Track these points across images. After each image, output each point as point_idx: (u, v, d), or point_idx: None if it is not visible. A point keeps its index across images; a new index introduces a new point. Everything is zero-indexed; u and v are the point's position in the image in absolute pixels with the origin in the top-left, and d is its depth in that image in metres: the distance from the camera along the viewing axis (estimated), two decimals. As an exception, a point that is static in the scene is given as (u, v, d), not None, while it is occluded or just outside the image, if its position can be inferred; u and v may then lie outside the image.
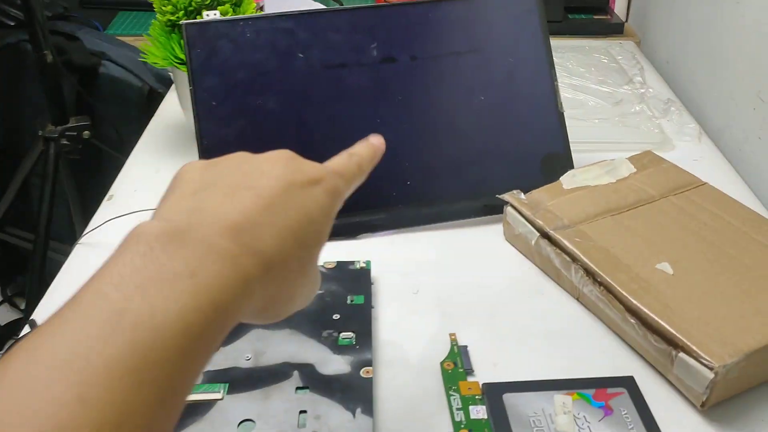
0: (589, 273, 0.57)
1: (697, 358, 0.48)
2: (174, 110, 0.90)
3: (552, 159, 0.71)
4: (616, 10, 1.21)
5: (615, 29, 1.16)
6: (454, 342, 0.55)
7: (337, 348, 0.53)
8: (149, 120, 0.90)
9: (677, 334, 0.49)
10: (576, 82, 0.95)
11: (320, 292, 0.58)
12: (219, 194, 0.33)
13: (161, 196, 0.35)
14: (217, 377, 0.50)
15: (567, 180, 0.67)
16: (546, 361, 0.53)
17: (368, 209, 0.68)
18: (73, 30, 1.17)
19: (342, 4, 1.18)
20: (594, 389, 0.50)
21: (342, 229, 0.67)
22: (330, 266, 0.61)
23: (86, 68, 1.14)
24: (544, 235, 0.61)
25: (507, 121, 0.71)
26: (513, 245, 0.66)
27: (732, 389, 0.49)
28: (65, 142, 1.02)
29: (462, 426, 0.48)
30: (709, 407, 0.49)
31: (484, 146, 0.70)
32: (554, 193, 0.66)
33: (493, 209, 0.68)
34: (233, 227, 0.31)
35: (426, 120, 0.70)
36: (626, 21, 1.21)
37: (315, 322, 0.55)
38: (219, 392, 0.49)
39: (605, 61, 1.02)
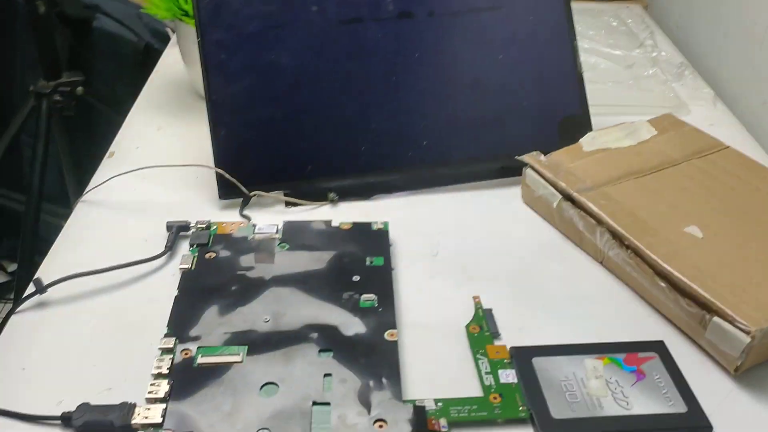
0: (615, 236, 0.55)
1: (732, 322, 0.47)
2: (173, 66, 0.87)
3: (571, 121, 0.69)
4: (622, -27, 1.18)
5: (622, -7, 1.13)
6: (478, 305, 0.53)
7: (359, 310, 0.51)
8: (145, 77, 0.86)
9: (711, 298, 0.48)
10: (586, 45, 0.92)
11: (337, 253, 0.56)
12: None
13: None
14: (235, 339, 0.48)
15: (587, 142, 0.66)
16: (572, 326, 0.52)
17: (383, 169, 0.65)
18: (65, -19, 1.12)
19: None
20: (625, 353, 0.49)
21: (356, 189, 0.65)
22: (346, 227, 0.59)
23: (79, 21, 1.09)
24: (567, 198, 0.60)
25: (526, 81, 0.69)
26: (532, 208, 0.64)
27: (766, 354, 0.48)
28: (58, 98, 0.98)
29: (492, 390, 0.46)
30: (742, 372, 0.48)
31: (502, 106, 0.68)
32: (575, 155, 0.64)
33: (511, 171, 0.66)
34: None
35: (443, 78, 0.67)
36: (633, -16, 1.19)
37: (334, 284, 0.53)
38: (239, 354, 0.47)
39: (614, 24, 1.00)
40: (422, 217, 0.63)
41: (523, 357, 0.48)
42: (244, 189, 0.62)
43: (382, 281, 0.54)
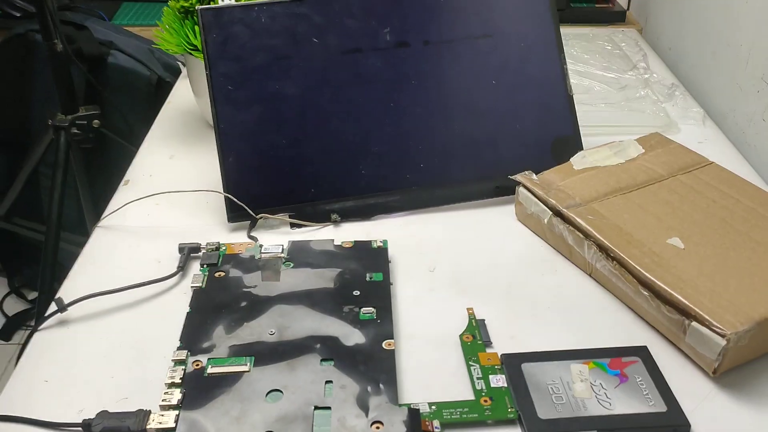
0: (602, 249, 0.58)
1: (709, 326, 0.49)
2: (184, 98, 0.91)
3: (562, 141, 0.73)
4: (617, -1, 1.23)
5: (617, 17, 1.18)
6: (471, 316, 0.56)
7: (359, 322, 0.54)
8: (157, 109, 0.91)
9: (690, 305, 0.51)
10: (581, 68, 0.96)
11: (339, 270, 0.60)
12: None
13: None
14: (242, 351, 0.52)
15: (577, 161, 0.69)
16: (561, 334, 0.55)
17: (383, 191, 0.69)
18: (80, 20, 1.18)
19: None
20: (609, 358, 0.52)
21: (358, 210, 0.69)
22: (348, 245, 0.63)
23: (95, 57, 1.15)
24: (557, 214, 0.63)
25: (518, 105, 0.72)
26: (525, 224, 0.68)
27: (743, 357, 0.51)
28: (75, 131, 1.03)
29: (483, 394, 0.49)
30: (720, 374, 0.50)
31: (496, 129, 0.72)
32: (565, 174, 0.67)
33: (506, 190, 0.70)
34: None
35: (439, 103, 0.71)
36: (628, 9, 1.23)
37: (336, 298, 0.57)
38: (246, 365, 0.50)
39: (609, 47, 1.04)
40: (420, 236, 0.66)
41: (513, 363, 0.51)
42: (251, 212, 0.66)
43: (381, 295, 0.57)
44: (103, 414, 0.47)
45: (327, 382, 0.49)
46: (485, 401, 0.48)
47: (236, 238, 0.65)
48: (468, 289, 0.59)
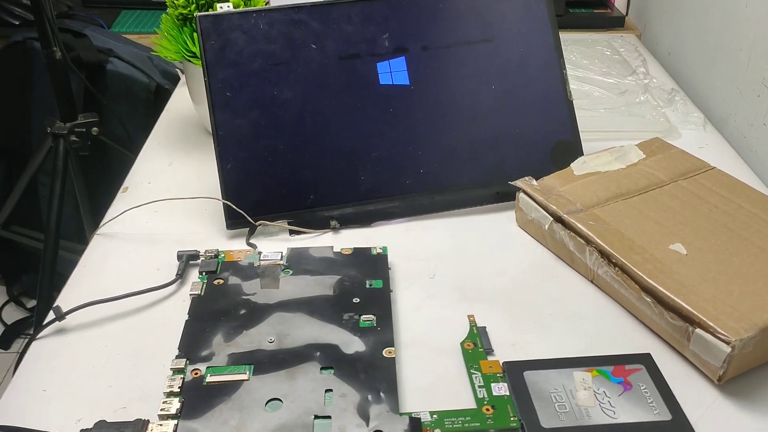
0: (603, 255, 0.58)
1: (713, 333, 0.49)
2: (183, 105, 0.91)
3: (562, 146, 0.72)
4: (616, 4, 1.22)
5: (616, 23, 1.17)
6: (473, 323, 0.56)
7: (359, 330, 0.54)
8: (156, 116, 0.90)
9: (694, 311, 0.50)
10: (580, 74, 0.96)
11: (339, 277, 0.59)
12: None
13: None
14: (242, 359, 0.51)
15: (578, 166, 0.69)
16: (563, 341, 0.54)
17: (383, 197, 0.69)
18: (80, 28, 1.18)
19: None
20: (612, 366, 0.51)
21: (357, 217, 0.68)
22: (347, 252, 0.62)
23: (93, 65, 1.14)
24: (558, 220, 0.62)
25: (518, 110, 0.72)
26: (526, 231, 0.67)
27: (747, 363, 0.50)
28: (74, 139, 1.03)
29: (485, 402, 0.48)
30: (725, 381, 0.50)
31: (496, 134, 0.71)
32: (566, 179, 0.67)
33: (506, 196, 0.69)
34: None
35: (439, 109, 0.71)
36: (626, 14, 1.23)
37: (335, 306, 0.56)
38: (245, 373, 0.50)
39: (608, 53, 1.03)
40: (420, 242, 0.66)
41: (514, 371, 0.51)
42: (250, 219, 0.65)
43: (381, 302, 0.57)
44: (101, 424, 0.46)
45: (327, 390, 0.48)
46: (487, 410, 0.48)
47: (235, 245, 0.65)
48: (469, 296, 0.59)
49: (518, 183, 0.67)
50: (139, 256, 0.64)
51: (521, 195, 0.67)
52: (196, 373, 0.50)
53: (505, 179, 0.68)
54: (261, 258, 0.61)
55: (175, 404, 0.47)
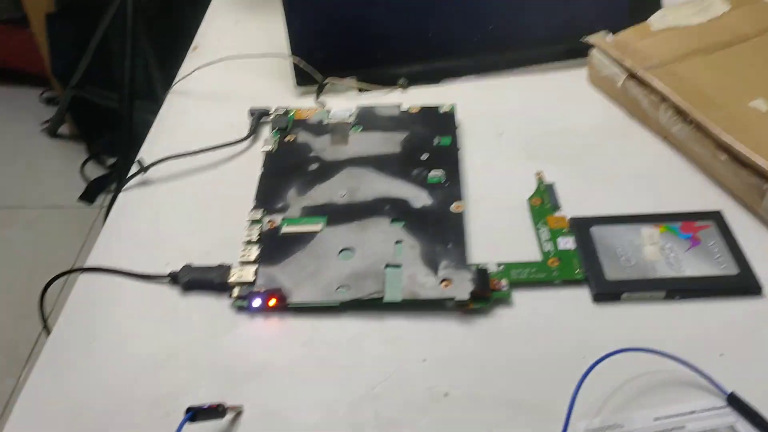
0: (679, 112, 0.56)
1: (789, 191, 0.48)
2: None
3: (641, -1, 0.69)
4: None
5: None
6: (540, 180, 0.56)
7: (427, 185, 0.55)
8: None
9: (770, 169, 0.49)
10: None
11: (407, 134, 0.60)
12: None
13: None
14: (315, 212, 0.53)
15: (656, 20, 0.65)
16: (633, 199, 0.54)
17: (450, 55, 0.67)
18: None
19: None
20: (681, 222, 0.51)
21: (424, 74, 0.68)
22: (414, 110, 0.62)
23: None
24: (632, 76, 0.61)
25: (595, -41, 0.68)
26: (598, 89, 0.66)
27: (822, 222, 0.50)
28: (142, -2, 1.03)
29: (551, 255, 0.50)
30: (797, 239, 0.50)
31: (570, -14, 0.68)
32: (642, 34, 0.64)
33: (578, 52, 0.67)
34: None
35: (510, -41, 0.67)
36: None
37: (404, 162, 0.57)
38: (318, 224, 0.52)
39: None
40: (489, 100, 0.65)
41: (581, 226, 0.51)
42: (319, 76, 0.66)
43: (449, 159, 0.57)
44: (188, 267, 0.50)
45: (397, 242, 0.50)
46: (553, 262, 0.49)
47: (304, 103, 0.65)
48: (537, 154, 0.59)
49: (592, 39, 0.65)
50: (213, 113, 0.65)
51: (594, 51, 0.65)
52: (272, 224, 0.52)
53: (577, 35, 0.66)
54: (330, 116, 0.62)
55: (254, 251, 0.50)
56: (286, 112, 0.63)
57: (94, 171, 1.56)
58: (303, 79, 0.66)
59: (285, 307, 0.47)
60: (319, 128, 0.61)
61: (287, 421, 0.41)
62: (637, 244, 0.50)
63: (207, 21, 0.80)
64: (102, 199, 1.48)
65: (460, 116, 0.62)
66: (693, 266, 0.48)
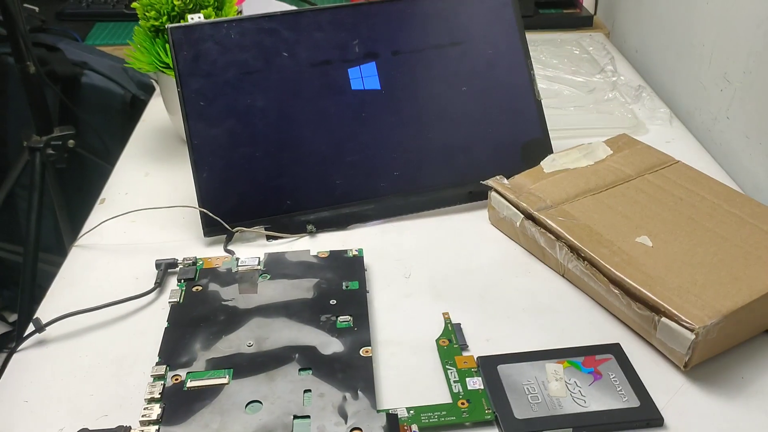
0: (573, 249, 0.59)
1: (678, 321, 0.51)
2: (158, 116, 0.91)
3: (532, 145, 0.74)
4: (584, 4, 1.24)
5: (584, 22, 1.20)
6: (447, 320, 0.57)
7: (336, 331, 0.55)
8: (132, 127, 0.91)
9: (659, 301, 0.52)
10: (550, 73, 0.98)
11: (316, 280, 0.60)
12: None
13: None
14: (221, 364, 0.52)
15: (547, 164, 0.70)
16: (536, 335, 0.56)
17: (358, 200, 0.70)
18: (54, 41, 1.18)
19: (313, 4, 1.19)
20: (583, 356, 0.53)
21: (332, 220, 0.69)
22: (323, 255, 0.63)
23: (68, 78, 1.15)
24: (529, 217, 0.64)
25: (488, 110, 0.74)
26: (498, 228, 0.69)
27: (712, 350, 0.52)
28: (51, 152, 1.03)
29: (460, 396, 0.50)
30: (691, 367, 0.51)
31: (468, 135, 0.73)
32: (536, 177, 0.68)
33: (478, 195, 0.71)
34: None
35: (410, 112, 0.72)
36: (595, 14, 1.25)
37: (313, 308, 0.57)
38: (225, 377, 0.51)
39: (577, 52, 1.05)
40: (395, 243, 0.67)
41: (488, 365, 0.52)
42: (227, 226, 0.66)
43: (357, 303, 0.58)
44: (84, 431, 0.47)
45: (306, 391, 0.50)
46: (462, 404, 0.49)
47: (213, 252, 0.66)
48: (444, 294, 0.60)
49: (490, 182, 0.68)
50: (118, 266, 0.64)
51: (493, 194, 0.68)
52: (176, 379, 0.51)
53: (477, 179, 0.70)
54: (239, 264, 0.62)
55: (156, 410, 0.48)
56: (194, 262, 0.63)
57: (-3, 328, 1.48)
58: (211, 229, 0.67)
59: (187, 469, 0.45)
60: (227, 277, 0.61)
61: None
62: (543, 381, 0.50)
63: (116, 173, 0.80)
64: (1, 359, 1.40)
65: (368, 259, 0.64)
66: (597, 400, 0.49)
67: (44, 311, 0.59)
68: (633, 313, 0.54)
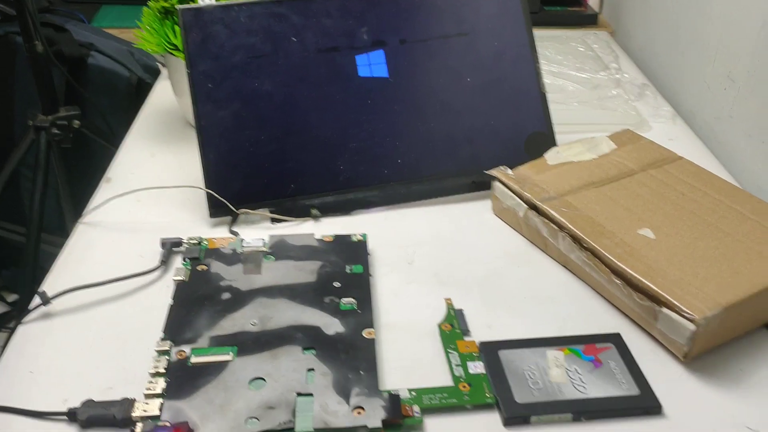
0: (575, 240, 0.60)
1: (679, 312, 0.51)
2: (164, 98, 0.92)
3: (536, 137, 0.74)
4: (590, 2, 1.25)
5: (589, 20, 1.20)
6: (450, 306, 0.58)
7: (339, 313, 0.55)
8: (137, 110, 0.91)
9: (661, 292, 0.53)
10: (555, 69, 0.98)
11: (320, 263, 0.61)
12: None
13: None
14: (225, 341, 0.52)
15: (551, 156, 0.71)
16: (537, 323, 0.56)
17: (362, 187, 0.70)
18: (61, 22, 1.18)
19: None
20: (584, 345, 0.53)
21: (336, 205, 0.70)
22: (328, 239, 0.64)
23: (75, 59, 1.15)
24: (532, 207, 0.64)
25: (493, 102, 0.74)
26: (501, 218, 0.69)
27: (711, 341, 0.53)
28: (56, 131, 1.03)
29: (462, 380, 0.50)
30: (690, 359, 0.52)
31: (472, 125, 0.73)
32: (539, 169, 0.69)
33: (482, 185, 0.71)
34: None
35: (416, 101, 0.72)
36: (600, 12, 1.25)
37: (316, 290, 0.58)
38: (229, 354, 0.51)
39: (582, 49, 1.06)
40: (399, 230, 0.67)
41: (490, 350, 0.53)
42: (232, 207, 0.67)
43: (360, 287, 0.58)
44: (89, 403, 0.47)
45: (309, 369, 0.50)
46: (464, 387, 0.50)
47: (218, 233, 0.66)
48: (446, 281, 0.61)
49: (493, 172, 0.69)
50: (123, 244, 0.65)
51: (496, 184, 0.69)
52: (181, 355, 0.51)
53: (480, 169, 0.70)
54: (243, 245, 0.63)
55: (160, 384, 0.49)
56: (199, 242, 0.63)
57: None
58: (217, 210, 0.67)
59: (191, 441, 0.45)
60: (232, 257, 0.62)
61: None
62: (544, 367, 0.51)
63: (122, 153, 0.80)
64: (1, 338, 1.40)
65: (371, 245, 0.64)
66: (597, 387, 0.49)
67: (49, 285, 0.59)
68: (634, 303, 0.55)
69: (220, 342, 0.52)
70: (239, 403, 0.47)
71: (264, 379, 0.49)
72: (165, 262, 0.62)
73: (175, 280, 0.59)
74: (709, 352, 0.53)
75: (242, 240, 0.63)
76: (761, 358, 0.53)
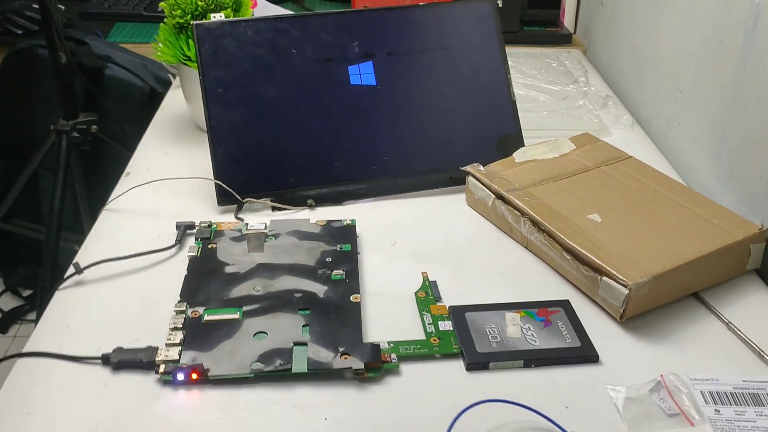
0: (535, 224, 0.70)
1: (615, 279, 0.61)
2: (176, 106, 1.02)
3: (506, 139, 0.84)
4: (565, 23, 1.36)
5: (564, 39, 1.31)
6: (425, 278, 0.67)
7: (331, 282, 0.65)
8: (150, 117, 1.01)
9: (602, 264, 0.62)
10: (529, 82, 1.08)
11: (315, 242, 0.70)
12: None
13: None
14: (233, 304, 0.62)
15: (519, 155, 0.81)
16: (500, 292, 0.66)
17: (352, 180, 0.80)
18: (81, 36, 1.28)
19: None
20: (537, 308, 0.63)
21: (330, 196, 0.79)
22: (321, 223, 0.73)
23: (94, 70, 1.25)
24: (499, 197, 0.74)
25: (469, 108, 0.84)
26: (474, 209, 0.79)
27: (644, 305, 0.62)
28: (76, 135, 1.13)
29: (433, 335, 0.60)
30: (626, 319, 0.62)
31: (450, 128, 0.83)
32: (508, 165, 0.79)
33: (458, 181, 0.81)
34: None
35: (401, 106, 0.83)
36: (574, 32, 1.36)
37: (311, 264, 0.67)
38: (236, 314, 0.61)
39: (555, 65, 1.16)
40: (384, 217, 0.77)
41: (458, 312, 0.62)
42: (237, 196, 0.76)
43: (349, 261, 0.68)
44: (119, 349, 0.57)
45: (304, 326, 0.59)
46: (434, 340, 0.59)
47: (225, 219, 0.76)
48: (424, 259, 0.70)
49: (468, 168, 0.79)
50: (143, 227, 0.74)
51: (470, 178, 0.79)
52: (195, 314, 0.61)
53: (457, 166, 0.80)
54: (248, 228, 0.72)
55: (179, 335, 0.58)
56: (209, 225, 0.73)
57: (9, 303, 1.57)
58: (224, 199, 0.77)
59: (206, 379, 0.55)
60: (238, 238, 0.71)
61: (206, 469, 0.48)
62: (502, 326, 0.61)
63: (139, 152, 0.90)
64: (16, 329, 1.49)
65: (360, 229, 0.74)
66: (545, 341, 0.59)
67: (81, 259, 0.68)
68: (581, 275, 0.65)
69: (228, 304, 0.62)
70: (245, 350, 0.57)
71: (266, 333, 0.59)
72: (180, 241, 0.71)
73: (189, 256, 0.68)
74: (642, 315, 0.63)
75: (247, 224, 0.73)
76: (686, 320, 0.63)
